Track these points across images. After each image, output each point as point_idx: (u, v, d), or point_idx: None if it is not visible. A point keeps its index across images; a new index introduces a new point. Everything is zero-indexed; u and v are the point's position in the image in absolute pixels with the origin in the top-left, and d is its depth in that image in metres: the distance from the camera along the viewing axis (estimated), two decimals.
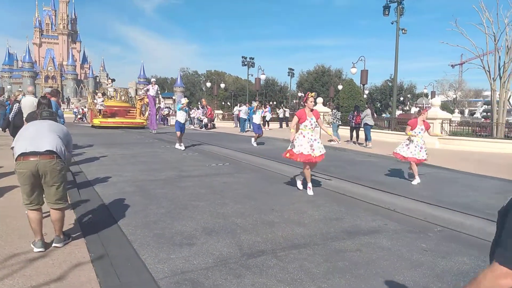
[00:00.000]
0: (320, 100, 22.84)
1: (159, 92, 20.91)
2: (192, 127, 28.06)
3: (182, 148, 12.47)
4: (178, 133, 12.47)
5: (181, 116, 12.85)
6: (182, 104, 13.10)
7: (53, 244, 3.79)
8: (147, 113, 25.52)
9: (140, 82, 76.15)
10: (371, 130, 15.37)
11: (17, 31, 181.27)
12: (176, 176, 7.92)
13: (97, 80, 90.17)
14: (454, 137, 14.97)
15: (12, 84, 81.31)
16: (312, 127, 6.54)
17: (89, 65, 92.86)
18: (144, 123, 23.81)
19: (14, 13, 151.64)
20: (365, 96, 31.59)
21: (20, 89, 64.36)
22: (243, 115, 23.20)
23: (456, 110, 22.90)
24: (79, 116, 35.61)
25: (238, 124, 24.92)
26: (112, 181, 7.29)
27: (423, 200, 6.23)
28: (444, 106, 28.89)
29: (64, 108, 45.35)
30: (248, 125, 24.22)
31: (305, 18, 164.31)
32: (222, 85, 53.21)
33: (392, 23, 21.79)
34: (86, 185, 6.88)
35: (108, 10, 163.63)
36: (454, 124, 16.38)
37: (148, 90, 20.20)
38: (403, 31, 22.02)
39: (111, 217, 4.94)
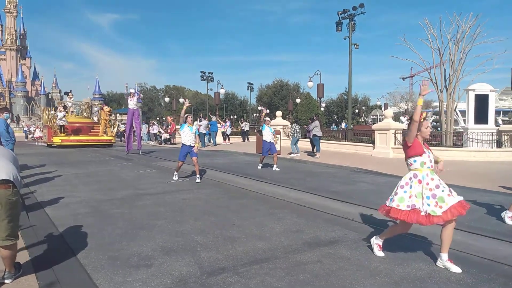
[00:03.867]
0: (279, 113, 23.19)
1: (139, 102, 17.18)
2: (151, 142, 27.49)
3: (176, 178, 9.65)
4: (180, 162, 9.57)
5: (185, 138, 9.53)
6: (187, 120, 9.66)
7: (5, 281, 3.44)
8: (115, 129, 24.18)
9: (95, 98, 73.83)
10: (320, 140, 16.01)
11: None
12: (133, 195, 7.66)
13: (49, 97, 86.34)
14: None
15: None
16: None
17: (41, 82, 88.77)
18: (112, 141, 22.39)
19: None
20: (322, 109, 32.44)
21: None
22: (202, 130, 23.01)
23: (404, 119, 23.96)
24: (38, 135, 30.07)
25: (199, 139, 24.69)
26: (65, 202, 6.92)
27: None
28: (397, 117, 30.32)
29: (14, 127, 42.56)
30: (209, 139, 24.07)
31: (261, 34, 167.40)
32: (181, 100, 52.64)
33: (344, 39, 22.67)
34: (36, 207, 6.48)
35: (60, 26, 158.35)
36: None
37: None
38: (355, 46, 22.96)
39: (63, 241, 4.67)
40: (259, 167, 12.00)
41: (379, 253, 4.15)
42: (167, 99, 52.40)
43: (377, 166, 12.14)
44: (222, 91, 38.77)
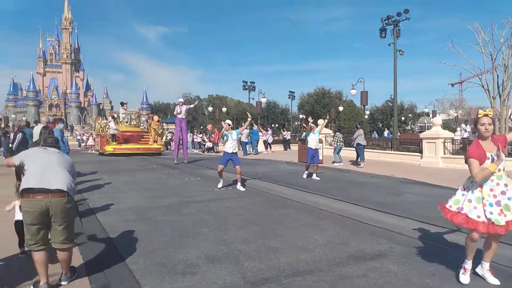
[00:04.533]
0: (321, 121, 22.92)
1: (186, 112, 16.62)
2: (196, 151, 28.13)
3: (220, 186, 9.62)
4: (222, 166, 9.51)
5: (228, 145, 9.53)
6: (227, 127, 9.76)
7: (62, 282, 3.66)
8: (164, 138, 24.62)
9: (143, 108, 76.92)
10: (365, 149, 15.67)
11: (22, 62, 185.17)
12: (179, 202, 7.88)
13: (101, 107, 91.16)
14: (457, 156, 14.89)
15: (17, 113, 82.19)
16: None
17: (93, 93, 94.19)
18: (161, 149, 22.69)
19: (19, 44, 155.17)
20: (366, 116, 31.71)
21: (24, 118, 64.89)
22: (244, 139, 23.24)
23: (467, 127, 22.82)
24: (90, 143, 31.53)
25: (241, 147, 24.93)
26: (115, 208, 7.25)
27: (430, 221, 6.14)
28: (446, 125, 28.95)
29: (68, 136, 45.19)
30: (250, 148, 24.25)
31: (302, 42, 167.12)
32: (224, 109, 53.63)
33: (389, 45, 22.10)
34: (89, 213, 6.84)
35: (112, 39, 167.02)
36: (457, 143, 16.34)
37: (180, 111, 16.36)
38: (400, 52, 22.31)
39: (113, 247, 4.88)
40: (305, 176, 11.72)
41: (464, 279, 3.65)
42: (210, 109, 53.65)
43: (425, 177, 11.65)
44: (263, 100, 39.06)
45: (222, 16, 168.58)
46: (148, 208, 7.33)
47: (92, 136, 31.27)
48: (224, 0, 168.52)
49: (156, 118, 23.93)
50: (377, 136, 30.72)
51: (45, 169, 3.58)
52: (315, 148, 11.69)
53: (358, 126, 15.97)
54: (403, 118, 59.64)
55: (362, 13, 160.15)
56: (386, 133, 28.20)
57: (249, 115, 10.99)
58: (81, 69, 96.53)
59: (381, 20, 22.49)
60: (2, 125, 42.83)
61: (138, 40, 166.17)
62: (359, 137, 15.25)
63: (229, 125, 9.82)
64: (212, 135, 27.19)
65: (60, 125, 9.86)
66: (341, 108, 37.84)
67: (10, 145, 12.23)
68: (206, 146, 27.16)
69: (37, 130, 8.77)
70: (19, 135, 10.35)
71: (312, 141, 11.72)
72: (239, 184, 9.46)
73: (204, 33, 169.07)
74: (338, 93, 69.61)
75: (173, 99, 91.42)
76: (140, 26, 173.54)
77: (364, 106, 27.25)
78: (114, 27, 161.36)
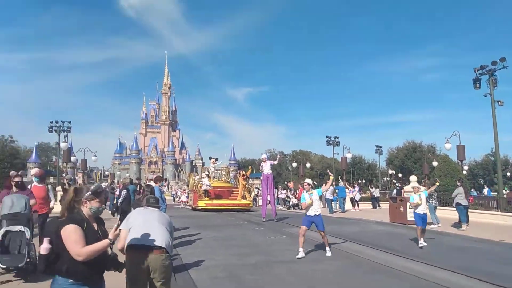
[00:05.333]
0: (414, 178, 21.56)
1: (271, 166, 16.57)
2: (280, 207, 28.15)
3: (301, 252, 8.41)
4: (304, 228, 8.57)
5: (315, 205, 8.66)
6: (308, 185, 8.96)
7: None
8: (253, 193, 25.02)
9: (231, 164, 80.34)
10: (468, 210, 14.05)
11: (128, 124, 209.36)
12: (265, 261, 7.89)
13: (193, 164, 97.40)
14: None
15: (121, 170, 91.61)
16: None
17: (186, 151, 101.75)
18: (250, 205, 22.81)
19: (126, 109, 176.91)
20: (464, 172, 29.09)
21: (127, 174, 71.87)
22: (329, 196, 22.71)
23: None
24: (183, 199, 32.39)
25: (326, 205, 24.38)
26: (205, 265, 7.51)
27: None
28: None
29: (165, 191, 48.39)
30: (336, 205, 23.56)
31: (388, 94, 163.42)
32: (308, 165, 53.59)
33: (485, 96, 20.55)
34: (181, 269, 7.18)
35: (204, 101, 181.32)
36: None
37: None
38: (499, 103, 20.49)
39: None
40: (421, 245, 9.80)
41: None
42: (294, 164, 54.03)
43: None
44: (349, 155, 38.32)
45: (304, 73, 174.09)
46: (236, 265, 7.47)
47: (185, 192, 33.20)
48: (305, 57, 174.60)
49: (244, 174, 24.66)
50: (475, 194, 27.81)
51: (147, 227, 3.93)
52: (424, 212, 10.24)
53: (458, 184, 14.56)
54: (508, 174, 53.36)
55: (453, 63, 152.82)
56: (486, 190, 25.39)
57: (330, 174, 10.55)
58: (177, 129, 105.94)
59: (474, 70, 21.18)
60: (109, 181, 47.93)
61: (227, 101, 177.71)
62: (459, 195, 13.86)
63: (308, 184, 8.94)
64: (297, 191, 27.10)
65: (160, 183, 10.80)
66: (435, 163, 35.34)
67: (115, 201, 13.61)
68: (291, 203, 27.09)
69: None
70: (124, 192, 11.50)
71: (417, 203, 10.25)
72: (327, 248, 8.77)
73: (286, 90, 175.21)
74: (431, 147, 65.60)
75: (258, 155, 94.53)
76: (228, 88, 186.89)
77: (461, 161, 25.18)
78: (206, 90, 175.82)
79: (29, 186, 7.87)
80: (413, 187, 11.22)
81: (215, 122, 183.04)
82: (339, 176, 36.55)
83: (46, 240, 2.92)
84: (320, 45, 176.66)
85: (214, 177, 25.36)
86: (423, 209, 10.29)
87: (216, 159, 26.37)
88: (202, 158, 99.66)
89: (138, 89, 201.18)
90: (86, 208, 3.04)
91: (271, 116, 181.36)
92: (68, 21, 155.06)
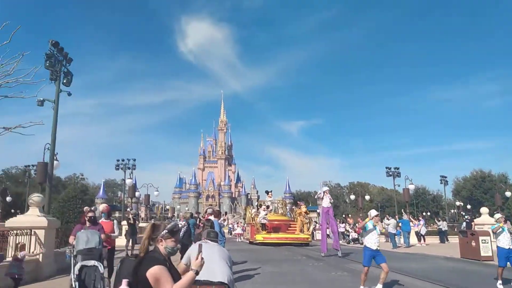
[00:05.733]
0: (485, 210, 19.92)
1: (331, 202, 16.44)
2: (340, 241, 27.18)
3: None
4: (366, 268, 8.25)
5: (371, 239, 8.35)
6: (373, 217, 8.59)
7: None
8: (311, 227, 24.49)
9: (286, 197, 79.77)
10: None
11: (186, 159, 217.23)
12: None
13: (248, 197, 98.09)
14: None
15: (181, 204, 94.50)
16: None
17: (242, 184, 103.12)
18: (309, 239, 22.23)
19: (184, 145, 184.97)
20: None
21: (186, 208, 73.75)
22: (391, 230, 21.57)
23: None
24: (238, 232, 32.85)
25: (389, 239, 23.17)
26: None
27: None
28: None
29: (224, 225, 48.62)
30: (400, 240, 22.29)
31: (448, 123, 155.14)
32: (367, 197, 51.65)
33: None
34: None
35: (258, 136, 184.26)
36: None
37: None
38: None
39: None
40: (500, 286, 8.85)
41: None
42: (352, 197, 52.26)
43: None
44: (411, 187, 36.31)
45: (357, 105, 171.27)
46: None
47: (242, 225, 33.31)
48: (358, 89, 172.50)
49: (303, 208, 24.21)
50: None
51: (208, 262, 4.02)
52: (509, 248, 9.12)
53: None
54: None
55: None
56: None
57: (375, 215, 8.66)
58: (233, 163, 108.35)
59: None
60: (169, 215, 49.56)
61: (280, 134, 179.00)
62: None
63: (376, 215, 8.66)
64: (357, 224, 26.09)
65: (220, 218, 11.04)
66: (508, 194, 32.57)
67: None
68: (350, 237, 26.10)
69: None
70: (184, 226, 11.89)
71: (505, 238, 9.25)
72: (380, 284, 8.10)
73: (340, 122, 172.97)
74: (502, 176, 60.50)
75: (313, 187, 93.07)
76: (281, 122, 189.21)
77: None
78: (260, 124, 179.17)
79: None
80: (496, 219, 9.78)
81: (269, 155, 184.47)
82: (402, 209, 34.72)
83: (124, 282, 2.94)
84: (374, 77, 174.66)
85: (270, 210, 25.25)
86: (508, 242, 9.15)
87: (271, 191, 26.32)
88: (257, 191, 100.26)
89: (196, 126, 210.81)
90: (162, 247, 2.97)
91: (324, 148, 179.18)
92: (133, 66, 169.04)
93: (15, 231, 10.12)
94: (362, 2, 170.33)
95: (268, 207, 24.14)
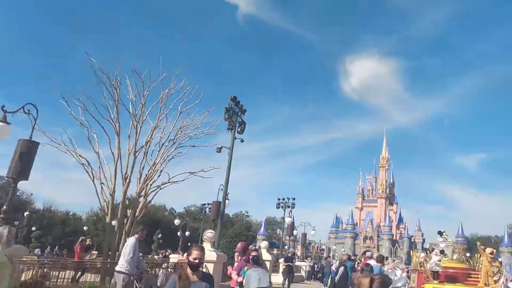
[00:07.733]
0: None
1: None
2: None
3: None
4: None
5: None
6: None
7: None
8: (501, 279, 20.68)
9: (458, 241, 69.77)
10: None
11: (343, 199, 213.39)
12: None
13: (412, 240, 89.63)
14: None
15: (337, 244, 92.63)
16: None
17: (405, 226, 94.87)
18: None
19: (342, 184, 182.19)
20: None
21: (342, 249, 71.88)
22: None
23: None
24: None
25: None
26: None
27: None
28: None
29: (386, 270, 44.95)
30: None
31: None
32: None
33: None
34: None
35: (424, 172, 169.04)
36: None
37: None
38: None
39: None
40: None
41: None
42: None
43: None
44: None
45: None
46: None
47: (405, 271, 30.30)
48: None
49: (488, 250, 20.19)
50: None
51: None
52: None
53: None
54: None
55: None
56: None
57: None
58: (395, 202, 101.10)
59: None
60: (325, 255, 49.09)
61: (453, 169, 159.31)
62: None
63: None
64: None
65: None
66: None
67: (331, 277, 13.84)
68: None
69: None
70: (341, 269, 11.68)
71: None
72: None
73: None
74: None
75: (494, 230, 78.74)
76: (455, 155, 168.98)
77: None
78: (428, 159, 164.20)
79: None
80: None
81: (439, 193, 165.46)
82: None
83: None
84: None
85: (446, 255, 22.19)
86: None
87: (444, 232, 23.31)
88: (422, 234, 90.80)
89: (355, 164, 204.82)
90: None
91: (508, 184, 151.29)
92: (297, 112, 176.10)
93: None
94: None
95: (442, 251, 21.17)
